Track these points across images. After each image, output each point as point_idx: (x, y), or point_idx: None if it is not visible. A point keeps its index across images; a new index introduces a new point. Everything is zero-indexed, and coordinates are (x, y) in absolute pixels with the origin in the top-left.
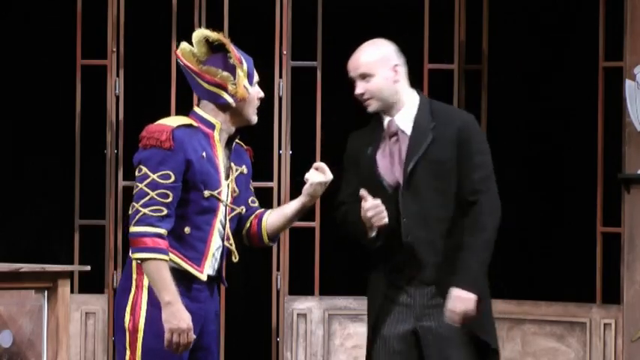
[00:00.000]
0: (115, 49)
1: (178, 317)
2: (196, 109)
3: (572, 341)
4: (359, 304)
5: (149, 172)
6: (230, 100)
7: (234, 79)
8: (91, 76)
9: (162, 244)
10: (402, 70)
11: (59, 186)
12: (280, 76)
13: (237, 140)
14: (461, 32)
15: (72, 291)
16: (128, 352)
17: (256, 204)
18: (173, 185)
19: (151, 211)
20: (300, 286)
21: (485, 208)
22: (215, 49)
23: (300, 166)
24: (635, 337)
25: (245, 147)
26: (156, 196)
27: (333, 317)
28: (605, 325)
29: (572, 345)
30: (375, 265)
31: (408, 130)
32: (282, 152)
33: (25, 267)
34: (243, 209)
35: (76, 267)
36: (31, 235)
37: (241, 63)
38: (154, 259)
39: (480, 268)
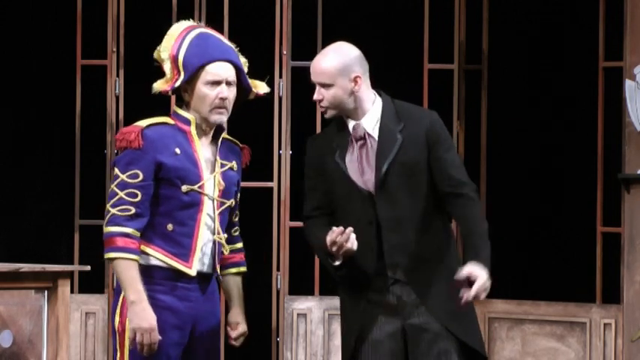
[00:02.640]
0: (115, 49)
1: (141, 317)
2: (176, 107)
3: (572, 341)
4: None
5: (119, 173)
6: (155, 91)
7: (169, 72)
8: (91, 76)
9: (132, 243)
10: (363, 79)
11: (59, 186)
12: (280, 76)
13: (227, 136)
14: (461, 32)
15: (72, 291)
16: (118, 354)
17: (237, 233)
18: (142, 184)
19: (119, 210)
20: (300, 286)
21: (476, 200)
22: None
23: (300, 166)
24: (635, 337)
25: (241, 145)
26: (124, 196)
27: (333, 317)
28: (605, 325)
29: (572, 345)
30: (351, 271)
31: (375, 134)
32: (282, 152)
33: (25, 267)
34: (232, 202)
35: (76, 267)
36: (31, 235)
37: (175, 59)
38: (122, 258)
39: (488, 253)
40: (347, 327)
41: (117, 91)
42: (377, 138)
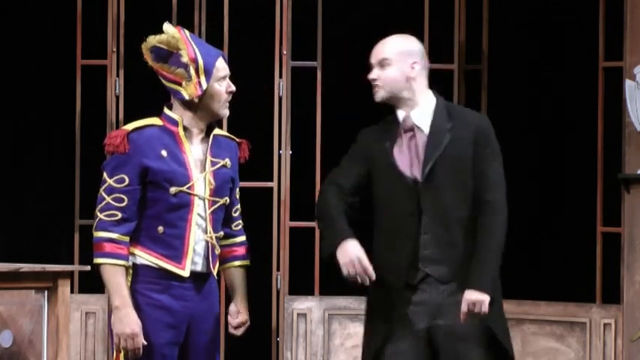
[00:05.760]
0: (115, 49)
1: (125, 322)
2: (166, 108)
3: (572, 341)
4: (359, 304)
5: (107, 178)
6: (187, 96)
7: (189, 75)
8: (91, 76)
9: (119, 249)
10: (421, 70)
11: (59, 186)
12: (280, 76)
13: (222, 133)
14: (461, 32)
15: (72, 291)
16: (115, 353)
17: (239, 227)
18: (128, 189)
19: (106, 216)
20: (300, 286)
21: (500, 209)
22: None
23: (300, 166)
24: (635, 337)
25: (238, 140)
26: (111, 201)
27: (333, 317)
28: (605, 325)
29: (572, 345)
30: (381, 264)
31: (425, 128)
32: (282, 152)
33: (25, 267)
34: (227, 200)
35: (76, 267)
36: (31, 235)
37: (195, 61)
38: (109, 264)
39: (495, 269)
40: (373, 324)
41: (117, 91)
42: (427, 132)
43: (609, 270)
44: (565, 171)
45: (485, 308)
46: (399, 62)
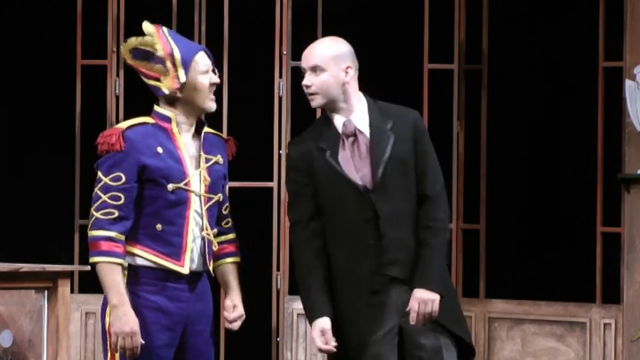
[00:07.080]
0: (115, 49)
1: (123, 321)
2: (155, 106)
3: (572, 341)
4: None
5: (102, 176)
6: (166, 90)
7: (166, 69)
8: (91, 76)
9: (115, 247)
10: (354, 73)
11: (59, 186)
12: (280, 76)
13: (209, 130)
14: (461, 32)
15: (72, 291)
16: (109, 354)
17: (229, 225)
18: (124, 187)
19: (103, 214)
20: None
21: (443, 206)
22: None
23: None
24: (635, 337)
25: (225, 137)
26: (108, 199)
27: None
28: (605, 325)
29: (572, 345)
30: (343, 274)
31: (365, 130)
32: (282, 152)
33: (25, 267)
34: (220, 197)
35: (76, 267)
36: (31, 235)
37: (170, 54)
38: (105, 262)
39: (443, 267)
40: (343, 333)
41: (117, 91)
42: (368, 134)
43: (609, 270)
44: (565, 171)
45: (435, 307)
46: (333, 67)
